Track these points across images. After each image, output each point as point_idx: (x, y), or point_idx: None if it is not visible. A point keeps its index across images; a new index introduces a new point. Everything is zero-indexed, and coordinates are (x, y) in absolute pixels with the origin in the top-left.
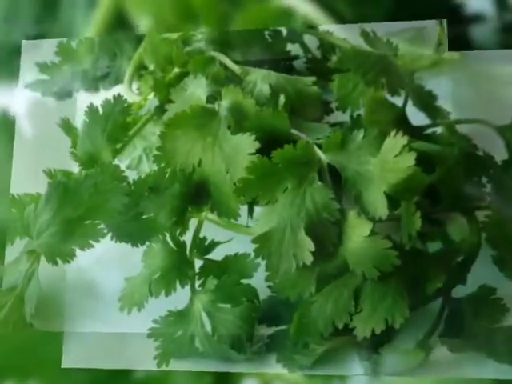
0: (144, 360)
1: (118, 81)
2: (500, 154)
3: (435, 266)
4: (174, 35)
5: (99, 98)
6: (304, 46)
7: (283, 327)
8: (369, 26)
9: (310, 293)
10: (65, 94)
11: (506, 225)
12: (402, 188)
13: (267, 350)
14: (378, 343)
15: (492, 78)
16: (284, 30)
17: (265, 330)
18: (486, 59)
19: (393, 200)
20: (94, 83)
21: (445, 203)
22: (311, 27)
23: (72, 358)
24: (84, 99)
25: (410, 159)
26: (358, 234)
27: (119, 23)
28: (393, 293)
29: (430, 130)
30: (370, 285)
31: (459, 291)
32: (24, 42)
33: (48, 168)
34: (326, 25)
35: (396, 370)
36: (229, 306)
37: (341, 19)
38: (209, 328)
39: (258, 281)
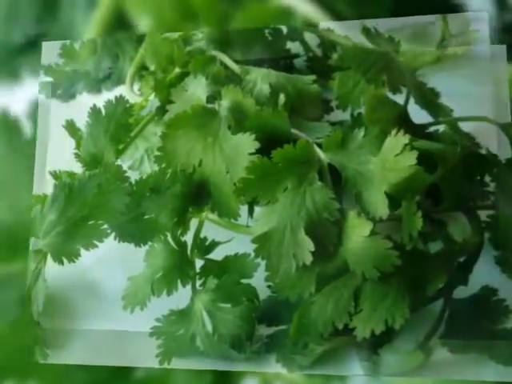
0: (146, 358)
1: (120, 82)
2: (505, 153)
3: (436, 267)
4: (175, 35)
5: (101, 99)
6: (304, 43)
7: (283, 327)
8: (370, 22)
9: (310, 293)
10: (68, 96)
11: (509, 225)
12: (403, 187)
13: (267, 350)
14: (377, 344)
15: (496, 75)
16: (284, 28)
17: (264, 330)
18: (490, 56)
19: (394, 200)
20: (96, 85)
21: (447, 203)
22: (312, 25)
23: (76, 355)
24: (87, 101)
25: (411, 158)
26: (358, 234)
27: (119, 23)
28: (393, 293)
29: (432, 129)
30: (370, 285)
31: (460, 292)
32: (44, 43)
33: (54, 169)
34: (327, 22)
35: (396, 370)
36: (229, 305)
37: (341, 19)
38: (209, 327)
39: (258, 281)
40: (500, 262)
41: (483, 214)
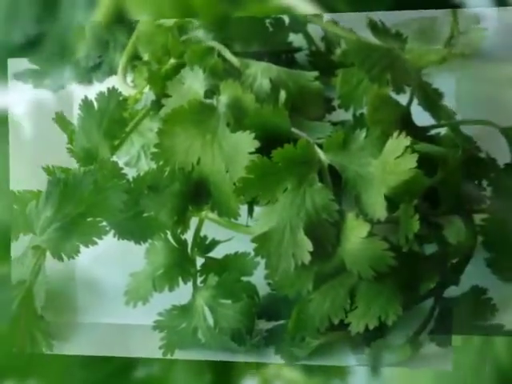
0: (150, 350)
1: (112, 72)
2: (504, 157)
3: (430, 268)
4: (170, 22)
5: (93, 90)
6: (307, 36)
7: (281, 322)
8: (376, 15)
9: (308, 291)
10: (57, 86)
11: (503, 229)
12: (402, 190)
13: (266, 343)
14: (370, 338)
15: (499, 78)
16: (286, 19)
17: (264, 325)
18: (493, 58)
19: (392, 202)
20: (86, 74)
21: (444, 206)
22: (316, 15)
23: (80, 347)
24: (78, 92)
25: (411, 161)
26: (355, 235)
27: (119, 23)
28: (387, 292)
29: (433, 131)
30: (366, 284)
31: (451, 291)
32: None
33: (47, 164)
34: (332, 13)
35: (386, 362)
36: (229, 301)
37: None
38: (211, 321)
39: (258, 278)
40: (491, 264)
41: (477, 218)
